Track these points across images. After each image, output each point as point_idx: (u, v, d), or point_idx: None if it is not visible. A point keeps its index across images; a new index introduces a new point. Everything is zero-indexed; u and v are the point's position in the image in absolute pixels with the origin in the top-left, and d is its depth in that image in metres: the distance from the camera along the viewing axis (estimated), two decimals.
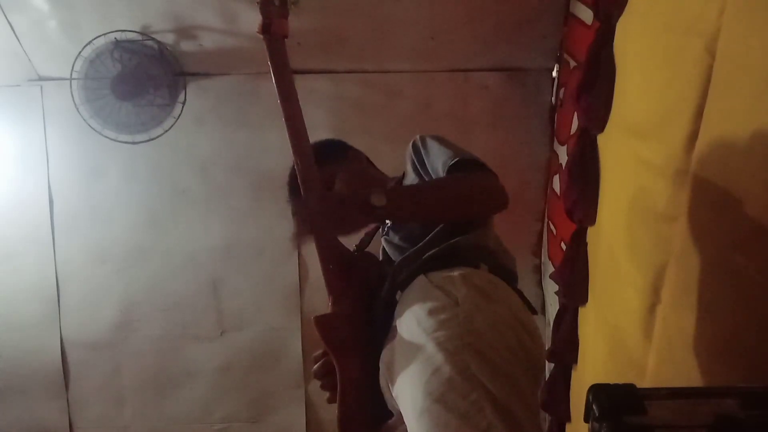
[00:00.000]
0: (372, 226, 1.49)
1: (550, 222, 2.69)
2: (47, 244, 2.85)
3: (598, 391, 0.72)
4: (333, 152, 1.54)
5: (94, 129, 2.62)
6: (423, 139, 1.39)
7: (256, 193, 2.77)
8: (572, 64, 2.34)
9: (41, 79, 2.71)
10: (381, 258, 1.44)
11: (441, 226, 1.29)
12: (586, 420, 0.73)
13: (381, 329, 1.26)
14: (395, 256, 1.35)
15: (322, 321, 1.25)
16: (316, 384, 1.33)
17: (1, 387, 2.99)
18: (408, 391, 1.09)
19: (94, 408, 3.01)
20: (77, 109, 2.58)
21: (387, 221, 1.43)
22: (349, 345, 1.25)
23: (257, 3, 1.24)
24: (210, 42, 2.60)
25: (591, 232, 1.94)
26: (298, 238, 1.19)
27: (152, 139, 2.65)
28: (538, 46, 2.58)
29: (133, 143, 2.66)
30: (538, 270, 2.86)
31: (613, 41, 1.71)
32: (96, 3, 2.52)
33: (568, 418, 2.23)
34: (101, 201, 2.83)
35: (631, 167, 1.53)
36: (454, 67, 2.66)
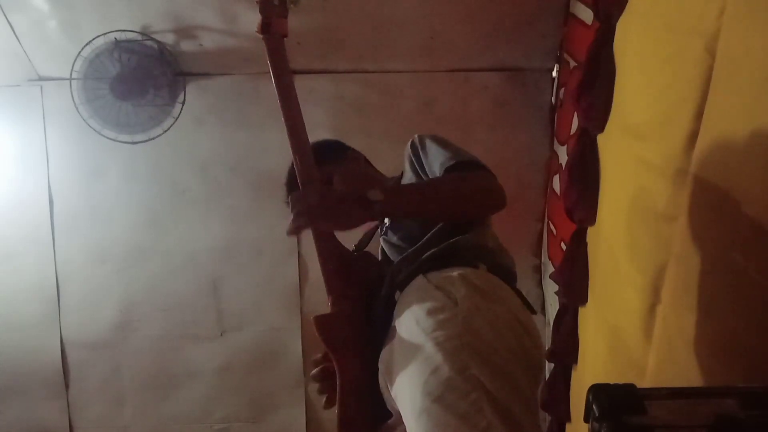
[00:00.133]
0: (371, 225, 1.49)
1: (550, 222, 2.69)
2: (47, 244, 2.84)
3: (598, 391, 0.72)
4: (332, 152, 1.55)
5: (93, 129, 2.62)
6: (421, 139, 1.39)
7: (256, 193, 2.77)
8: (572, 64, 2.34)
9: (41, 79, 2.71)
10: (380, 258, 1.44)
11: (440, 225, 1.30)
12: (586, 420, 0.73)
13: (380, 329, 1.26)
14: (394, 256, 1.35)
15: (321, 321, 1.25)
16: (316, 384, 1.33)
17: (1, 387, 2.99)
18: (407, 390, 1.09)
19: (94, 408, 3.01)
20: (77, 109, 2.58)
21: (385, 221, 1.43)
22: (349, 345, 1.25)
23: (257, 2, 1.24)
24: (210, 42, 2.60)
25: (591, 232, 1.94)
26: (296, 230, 1.18)
27: (151, 139, 2.65)
28: (538, 46, 2.58)
29: (133, 143, 2.66)
30: (538, 270, 2.86)
31: (613, 41, 1.71)
32: (96, 3, 2.52)
33: (568, 418, 2.23)
34: (101, 201, 2.83)
35: (631, 167, 1.53)
36: (454, 67, 2.66)
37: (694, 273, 1.15)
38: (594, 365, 1.88)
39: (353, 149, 1.61)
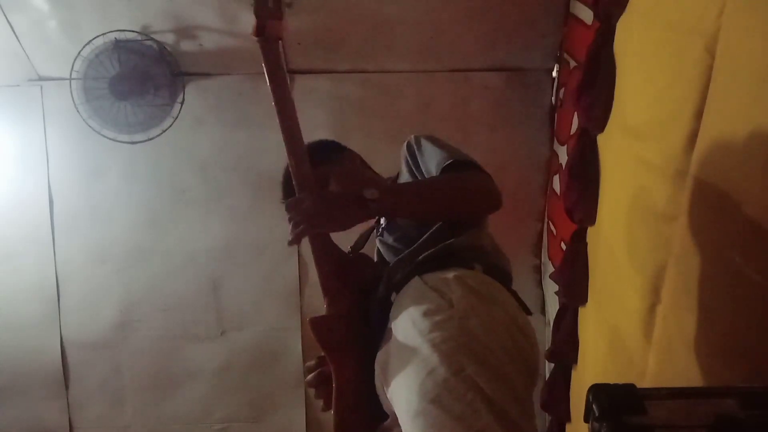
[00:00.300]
0: (366, 226, 1.48)
1: (550, 222, 2.69)
2: (47, 244, 2.84)
3: (598, 391, 0.72)
4: (327, 153, 1.55)
5: (93, 129, 2.62)
6: (417, 139, 1.39)
7: (256, 193, 2.77)
8: (572, 64, 2.34)
9: (41, 79, 2.71)
10: (376, 259, 1.44)
11: (436, 227, 1.29)
12: (586, 420, 0.73)
13: (376, 331, 1.25)
14: (390, 258, 1.35)
15: (317, 323, 1.25)
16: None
17: (1, 387, 2.99)
18: (403, 392, 1.09)
19: (94, 408, 3.01)
20: (77, 109, 2.58)
21: (381, 222, 1.43)
22: (345, 346, 1.25)
23: (251, 5, 1.24)
24: (210, 42, 2.60)
25: (591, 232, 1.94)
26: (296, 239, 1.18)
27: (151, 139, 2.65)
28: (538, 46, 2.58)
29: (132, 143, 2.66)
30: (538, 270, 2.86)
31: (613, 41, 1.71)
32: (96, 3, 2.52)
33: (568, 418, 2.23)
34: (101, 201, 2.83)
35: (631, 167, 1.53)
36: (454, 67, 2.66)
37: (693, 273, 1.15)
38: (594, 365, 1.88)
39: (349, 149, 1.61)
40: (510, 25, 2.51)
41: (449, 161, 1.27)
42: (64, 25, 2.55)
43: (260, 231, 2.80)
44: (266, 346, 2.95)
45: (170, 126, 2.64)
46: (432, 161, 1.31)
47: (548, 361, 2.36)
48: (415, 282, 1.22)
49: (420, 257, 1.25)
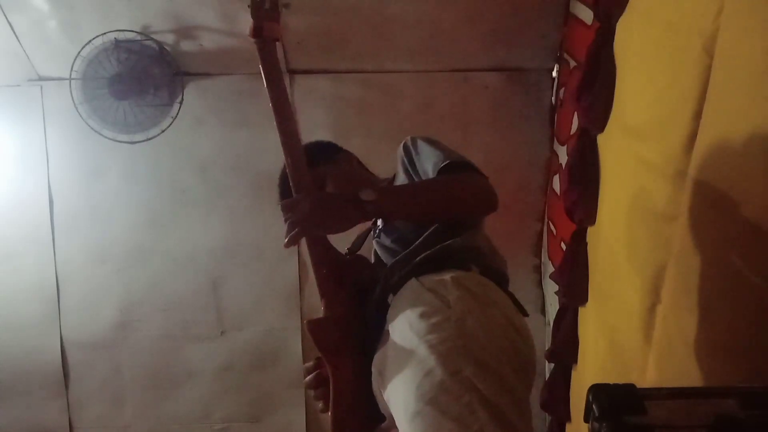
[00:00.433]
0: (363, 228, 1.48)
1: (550, 222, 2.69)
2: (47, 244, 2.84)
3: (598, 391, 0.72)
4: (324, 154, 1.55)
5: (93, 129, 2.62)
6: (414, 141, 1.39)
7: (256, 193, 2.77)
8: (572, 64, 2.34)
9: (41, 79, 2.71)
10: (372, 261, 1.44)
11: (432, 228, 1.29)
12: (586, 420, 0.73)
13: (373, 332, 1.25)
14: (387, 259, 1.35)
15: (314, 325, 1.25)
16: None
17: (1, 387, 2.99)
18: (400, 393, 1.09)
19: (94, 408, 3.01)
20: (77, 108, 2.58)
21: (378, 223, 1.43)
22: (342, 348, 1.24)
23: (248, 6, 1.25)
24: (209, 42, 2.60)
25: (591, 232, 1.94)
26: (292, 242, 1.18)
27: (151, 139, 2.65)
28: (538, 46, 2.58)
29: (131, 143, 2.66)
30: (538, 270, 2.86)
31: (613, 41, 1.71)
32: (96, 3, 2.52)
33: (568, 418, 2.23)
34: (101, 201, 2.83)
35: (631, 167, 1.53)
36: (454, 67, 2.66)
37: (693, 273, 1.15)
38: (594, 365, 1.88)
39: (345, 150, 1.61)
40: (510, 25, 2.51)
41: (446, 163, 1.27)
42: (64, 25, 2.55)
43: (260, 231, 2.80)
44: (266, 346, 2.95)
45: (170, 126, 2.64)
46: (428, 163, 1.31)
47: (548, 361, 2.36)
48: (412, 284, 1.21)
49: (417, 259, 1.25)
